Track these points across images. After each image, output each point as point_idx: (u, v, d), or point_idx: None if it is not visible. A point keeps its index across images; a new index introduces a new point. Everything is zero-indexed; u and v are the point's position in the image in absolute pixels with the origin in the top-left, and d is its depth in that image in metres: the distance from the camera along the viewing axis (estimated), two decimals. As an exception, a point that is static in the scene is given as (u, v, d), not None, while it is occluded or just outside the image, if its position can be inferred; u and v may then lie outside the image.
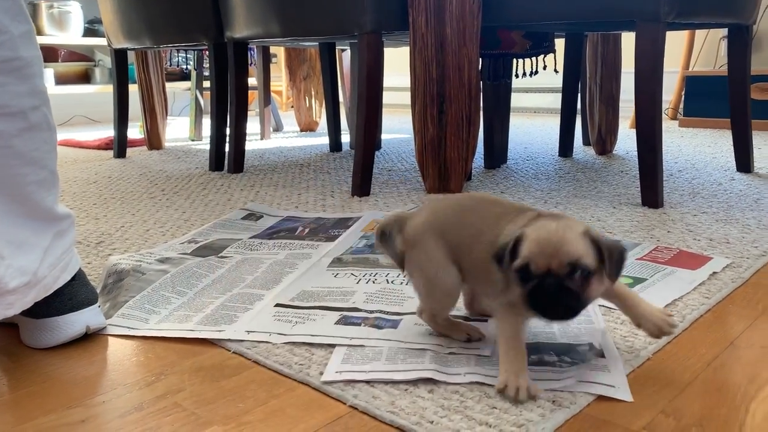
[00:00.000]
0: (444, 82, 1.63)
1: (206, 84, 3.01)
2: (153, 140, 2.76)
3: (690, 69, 3.36)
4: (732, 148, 1.95)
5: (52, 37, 3.74)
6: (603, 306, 0.88)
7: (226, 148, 2.14)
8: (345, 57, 3.12)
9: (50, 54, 4.02)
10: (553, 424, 0.62)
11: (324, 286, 0.98)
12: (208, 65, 2.61)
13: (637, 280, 0.98)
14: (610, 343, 0.77)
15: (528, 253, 0.64)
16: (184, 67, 3.47)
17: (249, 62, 3.32)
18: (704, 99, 3.12)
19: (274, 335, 0.82)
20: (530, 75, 2.14)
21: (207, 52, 2.52)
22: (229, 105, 2.10)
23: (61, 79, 3.92)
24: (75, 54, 4.25)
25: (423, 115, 1.66)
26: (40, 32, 3.64)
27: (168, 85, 4.18)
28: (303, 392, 0.70)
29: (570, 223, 0.67)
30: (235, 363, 0.78)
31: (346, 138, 2.69)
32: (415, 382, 0.70)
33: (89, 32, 4.00)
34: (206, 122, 2.77)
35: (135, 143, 2.84)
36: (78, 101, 4.25)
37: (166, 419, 0.66)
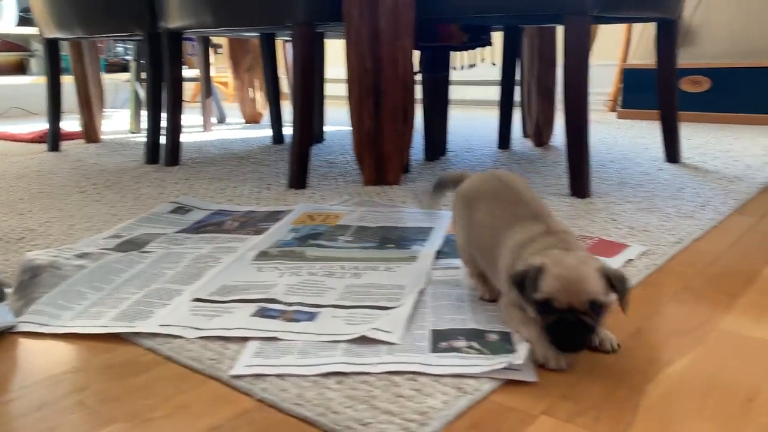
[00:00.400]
0: (379, 74, 1.63)
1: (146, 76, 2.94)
2: (90, 133, 2.69)
3: (628, 62, 3.45)
4: (662, 139, 2.01)
5: (-17, 26, 3.59)
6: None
7: (163, 141, 2.10)
8: (289, 48, 3.09)
9: (-18, 44, 3.86)
10: (456, 410, 0.63)
11: (246, 280, 0.97)
12: (145, 56, 2.55)
13: (556, 269, 1.00)
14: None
15: (551, 290, 0.70)
16: (123, 58, 3.38)
17: (190, 53, 3.26)
18: (641, 91, 3.21)
19: (189, 330, 0.81)
20: (468, 68, 2.16)
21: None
22: (165, 97, 2.06)
23: (-5, 70, 3.77)
24: (9, 44, 4.09)
25: (359, 108, 1.66)
26: (-31, 21, 3.49)
27: (110, 77, 4.09)
28: (212, 387, 0.70)
29: (584, 258, 0.73)
30: (146, 360, 0.76)
31: (290, 130, 2.67)
32: (325, 375, 0.70)
33: (23, 21, 3.85)
34: (146, 114, 2.71)
35: (73, 136, 2.76)
36: (13, 93, 4.10)
37: (68, 418, 0.65)
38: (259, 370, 0.70)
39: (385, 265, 1.03)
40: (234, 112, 3.72)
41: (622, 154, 2.15)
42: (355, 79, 1.65)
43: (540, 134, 2.37)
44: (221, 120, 3.39)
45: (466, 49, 2.10)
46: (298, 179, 1.67)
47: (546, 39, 2.26)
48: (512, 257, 0.78)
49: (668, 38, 1.88)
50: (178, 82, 2.04)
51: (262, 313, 0.84)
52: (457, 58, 2.17)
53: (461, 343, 0.75)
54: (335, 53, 3.20)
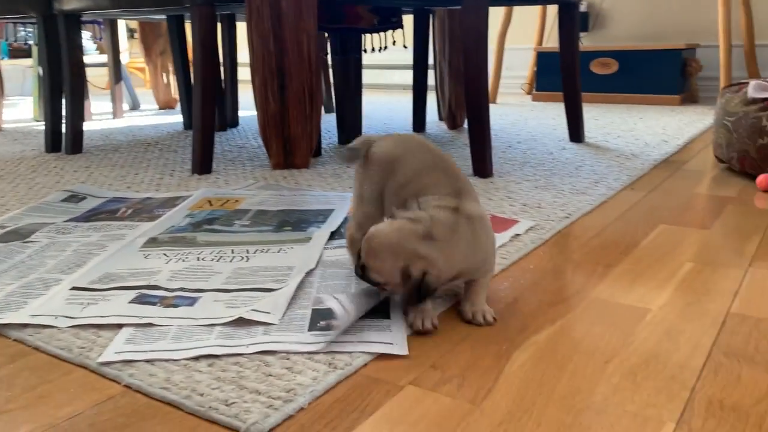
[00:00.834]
0: (283, 56, 1.61)
1: (49, 60, 2.80)
2: (-12, 121, 2.55)
3: (543, 45, 3.53)
4: (567, 119, 2.07)
5: None
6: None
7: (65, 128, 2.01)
8: (202, 32, 3.01)
9: None
10: (324, 385, 0.64)
11: (130, 268, 0.95)
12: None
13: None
14: (398, 306, 0.80)
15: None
16: (24, 42, 3.21)
17: (99, 37, 3.14)
18: (554, 74, 3.29)
19: (61, 318, 0.78)
20: (379, 50, 2.17)
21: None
22: (63, 82, 1.97)
23: None
24: None
25: (264, 90, 1.64)
26: None
27: (15, 62, 3.89)
28: (79, 376, 0.68)
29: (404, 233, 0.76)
30: (12, 351, 0.74)
31: (202, 116, 2.61)
32: (196, 358, 0.69)
33: None
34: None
35: (-32, 125, 2.61)
36: None
37: None
38: (129, 356, 0.69)
39: (278, 247, 1.03)
40: (150, 98, 3.61)
41: (529, 135, 2.21)
42: (258, 62, 1.62)
43: (453, 117, 2.40)
44: (134, 106, 3.28)
45: (376, 31, 2.09)
46: (202, 164, 1.64)
47: (456, 21, 2.29)
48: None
49: (569, 21, 1.94)
50: (78, 67, 1.96)
51: (141, 300, 0.82)
52: (368, 40, 2.17)
53: (338, 322, 0.75)
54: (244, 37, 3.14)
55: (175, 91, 3.22)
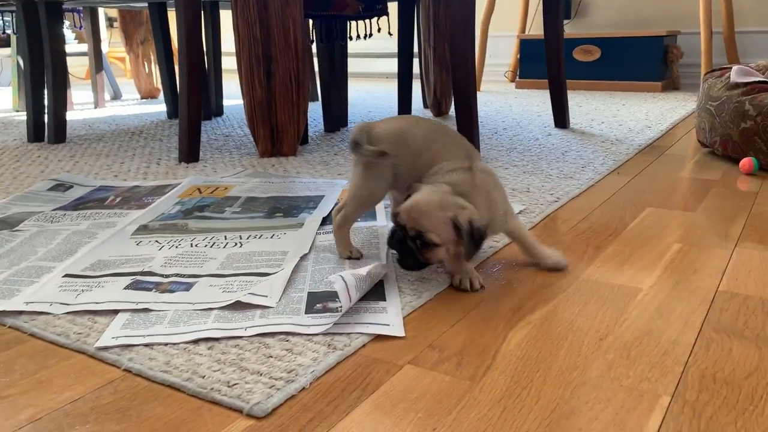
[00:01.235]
0: (269, 43, 1.61)
1: (28, 49, 2.76)
2: (-34, 112, 2.50)
3: (526, 33, 3.54)
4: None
5: None
6: (398, 255, 0.93)
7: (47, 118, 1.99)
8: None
9: None
10: (325, 366, 0.64)
11: (122, 255, 0.94)
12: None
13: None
14: (393, 288, 0.81)
15: (401, 208, 0.83)
16: (2, 32, 3.16)
17: (78, 25, 3.09)
18: (537, 61, 3.31)
19: (56, 305, 0.78)
20: (365, 38, 2.16)
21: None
22: (45, 72, 1.95)
23: None
24: None
25: (250, 78, 1.63)
26: None
27: (-8, 52, 3.81)
28: (77, 361, 0.68)
29: (449, 203, 0.81)
30: (8, 338, 0.73)
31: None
32: (196, 341, 0.69)
33: None
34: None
35: (-54, 116, 2.57)
36: None
37: None
38: (126, 341, 0.69)
39: (270, 233, 1.03)
40: (132, 88, 3.57)
41: (515, 122, 2.22)
42: (245, 49, 1.61)
43: (439, 104, 2.40)
44: (116, 96, 3.24)
45: (362, 18, 2.09)
46: (189, 152, 1.63)
47: (441, 8, 2.29)
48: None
49: (554, 8, 1.95)
50: (59, 55, 1.93)
51: (136, 286, 0.82)
52: (353, 27, 2.16)
53: (336, 305, 0.76)
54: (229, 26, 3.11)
55: (157, 81, 3.18)
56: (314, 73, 2.89)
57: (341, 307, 0.72)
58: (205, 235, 1.02)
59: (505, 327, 0.73)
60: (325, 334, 0.70)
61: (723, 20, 2.97)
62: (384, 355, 0.67)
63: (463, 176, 0.85)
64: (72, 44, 3.58)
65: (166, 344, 0.69)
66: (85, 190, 1.31)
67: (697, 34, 3.08)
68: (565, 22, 3.48)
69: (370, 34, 2.16)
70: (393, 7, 2.26)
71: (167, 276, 0.86)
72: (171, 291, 0.81)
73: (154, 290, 0.81)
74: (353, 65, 4.31)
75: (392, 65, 4.18)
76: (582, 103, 2.66)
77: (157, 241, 1.00)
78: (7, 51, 3.72)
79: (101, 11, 3.14)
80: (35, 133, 2.00)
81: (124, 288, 0.82)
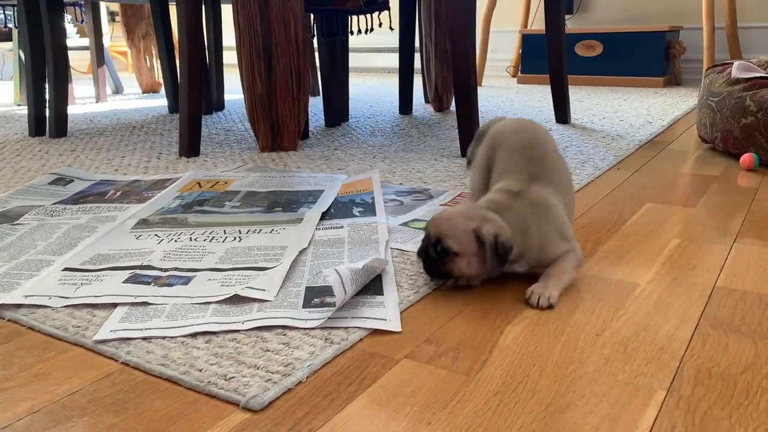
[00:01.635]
0: (270, 37, 1.60)
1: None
2: (-32, 106, 2.51)
3: (528, 28, 3.53)
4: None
5: None
6: (396, 248, 0.93)
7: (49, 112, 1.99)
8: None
9: None
10: (322, 360, 0.65)
11: (122, 248, 0.94)
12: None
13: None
14: (391, 282, 0.81)
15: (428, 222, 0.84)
16: (3, 25, 3.16)
17: (80, 20, 3.09)
18: (539, 57, 3.31)
19: (55, 299, 0.78)
20: (366, 32, 2.16)
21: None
22: (46, 66, 1.95)
23: None
24: None
25: (251, 72, 1.63)
26: None
27: (-6, 46, 3.82)
28: (76, 354, 0.68)
29: (473, 214, 0.80)
30: (7, 331, 0.73)
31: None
32: (193, 335, 0.70)
33: None
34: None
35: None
36: None
37: None
38: (124, 334, 0.69)
39: (270, 227, 1.03)
40: (133, 83, 3.57)
41: (516, 117, 2.21)
42: (245, 43, 1.61)
43: (440, 99, 2.40)
44: (117, 90, 3.25)
45: (363, 13, 2.09)
46: (190, 147, 1.63)
47: (443, 2, 2.28)
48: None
49: (555, 4, 1.94)
50: (61, 49, 1.93)
51: (135, 280, 0.83)
52: (354, 21, 2.16)
53: (334, 299, 0.76)
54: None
55: (158, 75, 3.18)
56: (315, 68, 2.89)
57: (335, 298, 0.72)
58: (204, 229, 1.03)
59: (502, 322, 0.73)
60: (322, 328, 0.70)
61: (726, 16, 2.96)
62: (381, 350, 0.67)
63: (503, 198, 0.82)
64: (74, 38, 3.59)
65: (163, 338, 0.69)
66: (86, 184, 1.32)
67: (699, 29, 3.07)
68: (567, 17, 3.47)
69: (371, 29, 2.16)
70: (394, 2, 2.26)
71: (166, 270, 0.86)
72: (169, 285, 0.81)
73: (152, 284, 0.81)
74: (354, 60, 4.32)
75: (393, 60, 4.18)
76: (583, 99, 2.65)
77: (156, 235, 1.00)
78: (8, 45, 3.73)
79: (103, 5, 3.14)
80: (36, 127, 2.00)
81: (123, 282, 0.82)
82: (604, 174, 1.41)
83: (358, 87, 3.34)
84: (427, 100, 2.61)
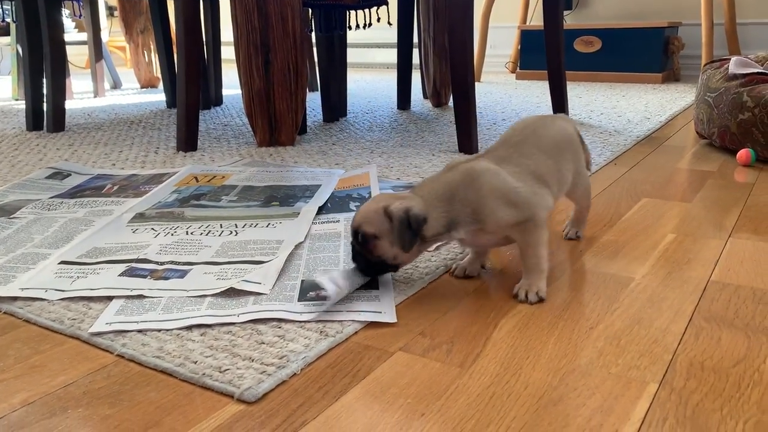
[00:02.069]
0: (267, 31, 1.60)
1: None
2: (-34, 100, 2.51)
3: (526, 24, 3.53)
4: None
5: None
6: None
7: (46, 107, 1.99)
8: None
9: None
10: (316, 352, 0.65)
11: (118, 242, 0.95)
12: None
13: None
14: (386, 276, 0.81)
15: None
16: (1, 20, 3.15)
17: (78, 14, 3.08)
18: (538, 52, 3.31)
19: (51, 291, 0.78)
20: (364, 27, 2.16)
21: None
22: (44, 60, 1.95)
23: None
24: None
25: (248, 66, 1.63)
26: None
27: (-8, 41, 3.81)
28: (71, 346, 0.68)
29: (383, 197, 0.78)
30: (2, 323, 0.74)
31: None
32: (189, 328, 0.70)
33: None
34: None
35: (-55, 104, 2.57)
36: None
37: None
38: (120, 327, 0.70)
39: (266, 222, 1.03)
40: (131, 78, 3.57)
41: (514, 113, 2.22)
42: (243, 37, 1.61)
43: (438, 95, 2.40)
44: (116, 85, 3.24)
45: (361, 8, 2.09)
46: (187, 141, 1.63)
47: (441, -1, 2.28)
48: None
49: (553, 0, 1.94)
50: (58, 44, 1.93)
51: (131, 273, 0.83)
52: (352, 16, 2.16)
53: (329, 293, 0.76)
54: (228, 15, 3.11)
55: (156, 70, 3.18)
56: (313, 63, 2.88)
57: (328, 293, 0.72)
58: (200, 223, 1.03)
59: (497, 315, 0.74)
60: (317, 321, 0.71)
61: (724, 11, 2.96)
62: (375, 342, 0.68)
63: (436, 173, 0.81)
64: (72, 33, 3.58)
65: (159, 330, 0.69)
66: (83, 178, 1.32)
67: (698, 25, 3.07)
68: (566, 13, 3.47)
69: (370, 24, 2.15)
70: (392, -3, 2.25)
71: (162, 263, 0.86)
72: (165, 278, 0.81)
73: (148, 277, 0.82)
74: (352, 55, 4.31)
75: (391, 55, 4.18)
76: (582, 95, 2.65)
77: (153, 229, 1.00)
78: (6, 39, 3.72)
79: (101, 0, 3.13)
80: (34, 121, 2.00)
81: (119, 275, 0.82)
82: (601, 169, 1.41)
83: (356, 82, 3.34)
84: (425, 96, 2.61)
